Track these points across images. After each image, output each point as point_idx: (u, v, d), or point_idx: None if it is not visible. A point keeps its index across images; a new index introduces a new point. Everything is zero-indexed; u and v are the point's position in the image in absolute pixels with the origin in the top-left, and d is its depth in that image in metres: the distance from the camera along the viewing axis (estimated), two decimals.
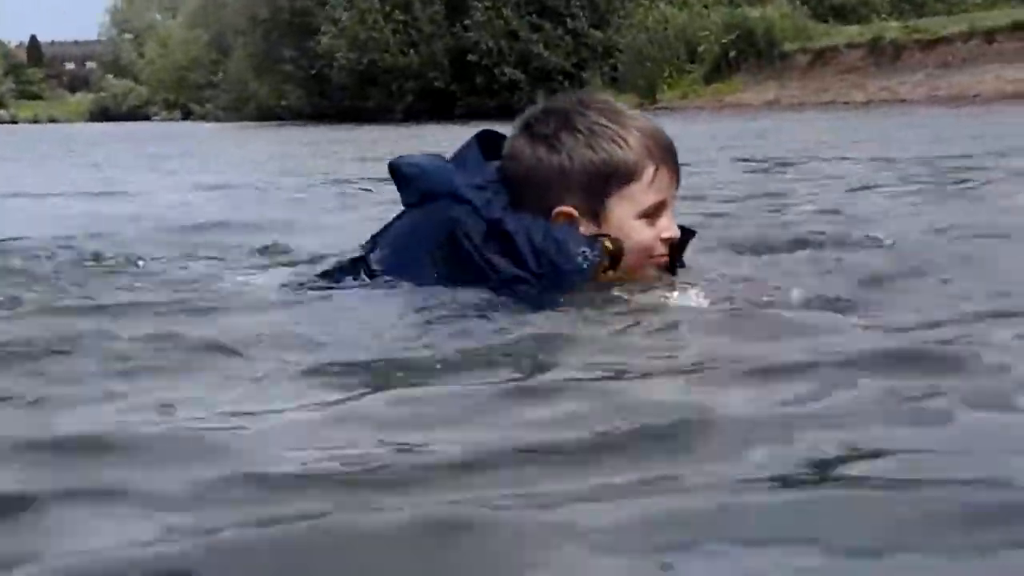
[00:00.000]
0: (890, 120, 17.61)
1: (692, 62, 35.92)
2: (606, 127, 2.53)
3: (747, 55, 34.63)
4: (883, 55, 31.22)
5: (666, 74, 35.64)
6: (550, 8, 41.27)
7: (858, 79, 30.63)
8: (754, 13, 35.28)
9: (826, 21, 36.77)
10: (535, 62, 41.02)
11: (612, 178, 2.52)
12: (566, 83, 39.64)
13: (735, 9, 36.22)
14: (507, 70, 41.19)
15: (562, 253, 2.43)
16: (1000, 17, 30.19)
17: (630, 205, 2.52)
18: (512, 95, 38.89)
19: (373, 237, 2.67)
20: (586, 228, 2.52)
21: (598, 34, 40.19)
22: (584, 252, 2.44)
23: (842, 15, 37.63)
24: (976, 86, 25.94)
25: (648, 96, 35.07)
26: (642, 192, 2.52)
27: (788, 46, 34.15)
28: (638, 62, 36.56)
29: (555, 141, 2.53)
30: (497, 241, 2.45)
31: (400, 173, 2.59)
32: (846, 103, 28.23)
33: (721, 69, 35.10)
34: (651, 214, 2.54)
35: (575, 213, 2.52)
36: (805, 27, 35.33)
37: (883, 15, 36.19)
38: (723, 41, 34.97)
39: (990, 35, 29.02)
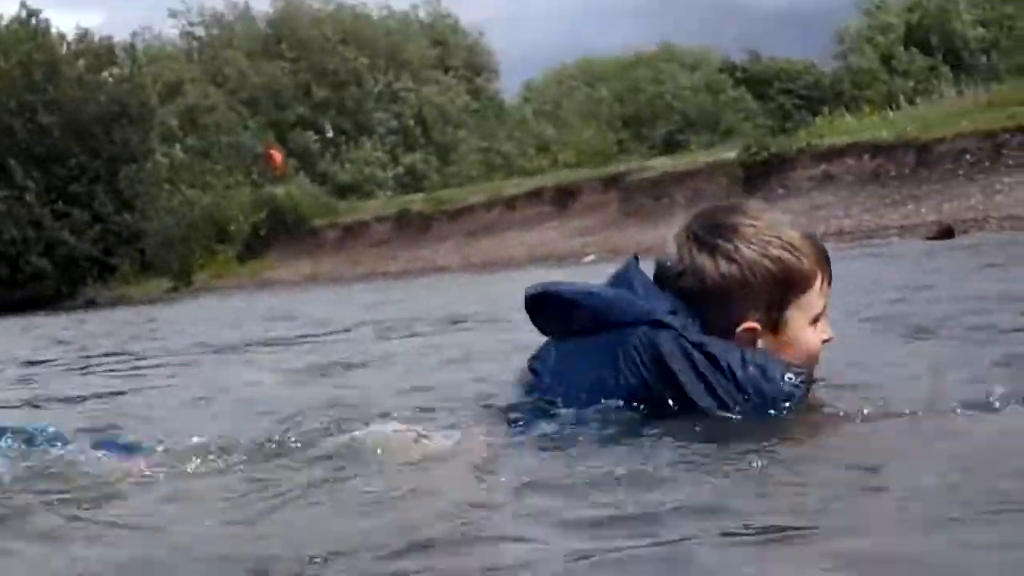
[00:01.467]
0: (420, 287, 17.18)
1: (223, 242, 35.25)
2: (777, 237, 2.47)
3: (278, 232, 34.49)
4: (411, 226, 31.53)
5: (197, 255, 34.83)
6: (73, 194, 39.44)
7: (389, 251, 30.64)
8: (280, 191, 35.36)
9: (344, 197, 37.83)
10: (61, 250, 38.92)
11: (791, 289, 2.47)
12: (95, 270, 38.17)
13: (260, 188, 36.28)
14: (32, 259, 39.03)
15: (767, 379, 2.33)
16: (520, 185, 31.09)
17: (804, 313, 2.48)
18: (40, 284, 37.86)
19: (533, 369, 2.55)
20: (765, 341, 2.46)
21: (125, 219, 38.63)
22: (790, 378, 2.34)
23: (351, 191, 39.17)
24: (506, 251, 26.26)
25: (182, 278, 34.15)
26: (815, 299, 2.49)
27: (317, 222, 34.25)
28: (167, 245, 35.62)
29: (735, 255, 2.45)
30: (703, 365, 2.34)
31: (565, 299, 2.47)
32: (384, 273, 27.99)
33: (254, 247, 34.76)
34: (816, 320, 2.51)
35: (758, 327, 2.45)
36: (330, 203, 35.73)
37: (388, 191, 38.13)
38: (253, 220, 34.75)
39: (510, 203, 29.81)
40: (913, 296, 5.54)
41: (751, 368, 2.34)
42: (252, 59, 45.91)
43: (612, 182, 27.27)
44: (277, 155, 37.35)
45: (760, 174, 20.82)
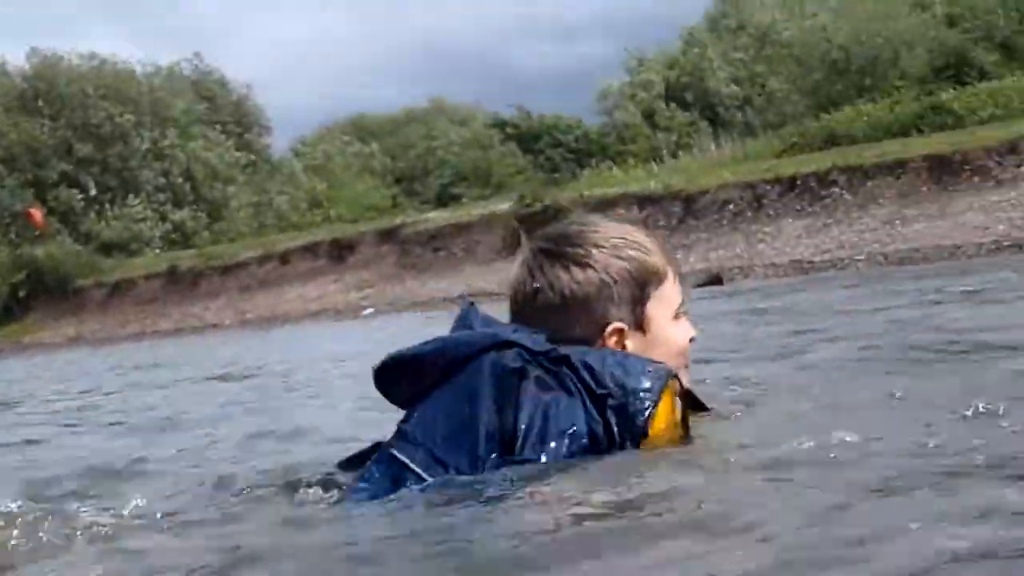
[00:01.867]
0: (194, 345, 16.66)
1: None
2: (623, 238, 2.45)
3: (39, 293, 33.03)
4: (182, 283, 30.67)
5: None
6: None
7: (160, 308, 29.68)
8: (40, 251, 33.98)
9: (110, 255, 36.68)
10: None
11: (648, 283, 2.43)
12: None
13: (19, 248, 34.80)
14: None
15: (628, 373, 2.24)
16: (295, 239, 30.70)
17: (665, 306, 2.46)
18: None
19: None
20: (634, 341, 2.41)
21: None
22: (650, 371, 2.24)
23: (118, 249, 38.12)
24: (281, 306, 25.81)
25: None
26: (671, 292, 2.47)
27: (81, 281, 32.96)
28: None
29: (589, 260, 2.40)
30: (562, 373, 2.23)
31: (408, 359, 2.26)
32: (155, 332, 27.13)
33: (14, 310, 33.20)
34: (679, 315, 2.49)
35: (625, 327, 2.41)
36: (95, 261, 34.49)
37: (157, 248, 37.37)
38: (12, 281, 33.23)
39: (285, 257, 29.38)
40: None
41: (609, 360, 2.25)
42: (9, 115, 44.10)
43: (388, 235, 27.19)
44: (37, 214, 35.85)
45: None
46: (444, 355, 2.25)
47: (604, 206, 19.87)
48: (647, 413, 2.20)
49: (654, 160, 30.53)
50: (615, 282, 2.39)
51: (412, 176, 43.07)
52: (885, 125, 23.45)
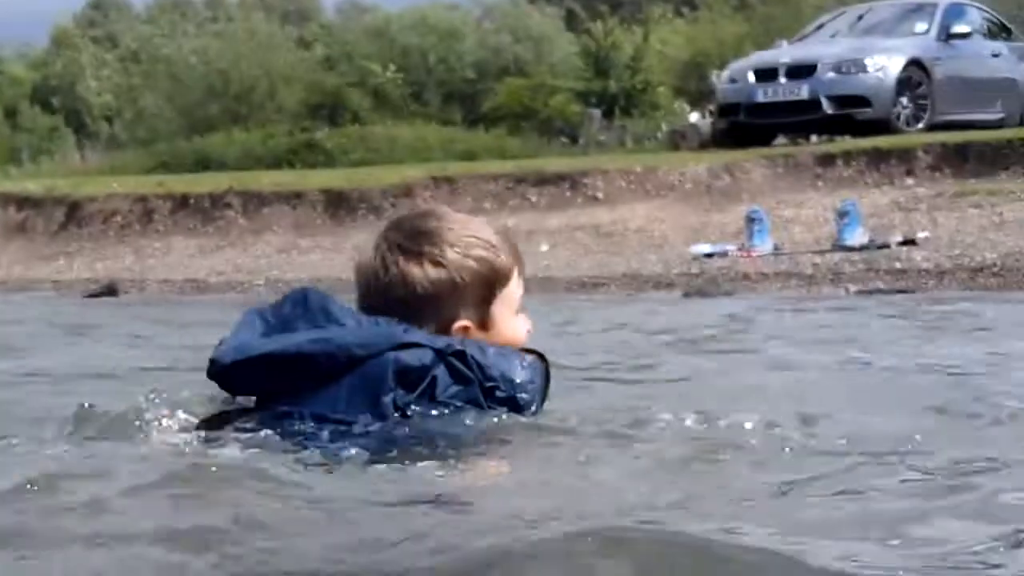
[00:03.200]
0: None
1: None
2: (475, 237, 2.50)
3: None
4: None
5: None
6: None
7: None
8: None
9: None
10: None
11: (496, 284, 2.51)
12: None
13: None
14: None
15: (512, 367, 2.38)
16: None
17: (508, 305, 2.54)
18: None
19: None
20: (478, 336, 2.46)
21: None
22: (526, 365, 2.40)
23: None
24: None
25: None
26: (515, 291, 2.56)
27: None
28: None
29: (440, 259, 2.45)
30: (458, 368, 2.33)
31: (289, 357, 2.27)
32: None
33: None
34: (518, 311, 2.57)
35: (471, 325, 2.47)
36: None
37: None
38: None
39: None
40: None
41: (491, 353, 2.36)
42: None
43: None
44: None
45: None
46: (337, 354, 2.27)
47: None
48: (534, 406, 2.37)
49: (12, 162, 28.67)
50: (466, 284, 2.46)
51: None
52: (258, 155, 23.63)
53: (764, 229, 10.71)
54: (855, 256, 9.79)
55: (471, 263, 2.46)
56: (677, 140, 18.36)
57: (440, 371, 2.30)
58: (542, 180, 14.28)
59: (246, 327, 2.38)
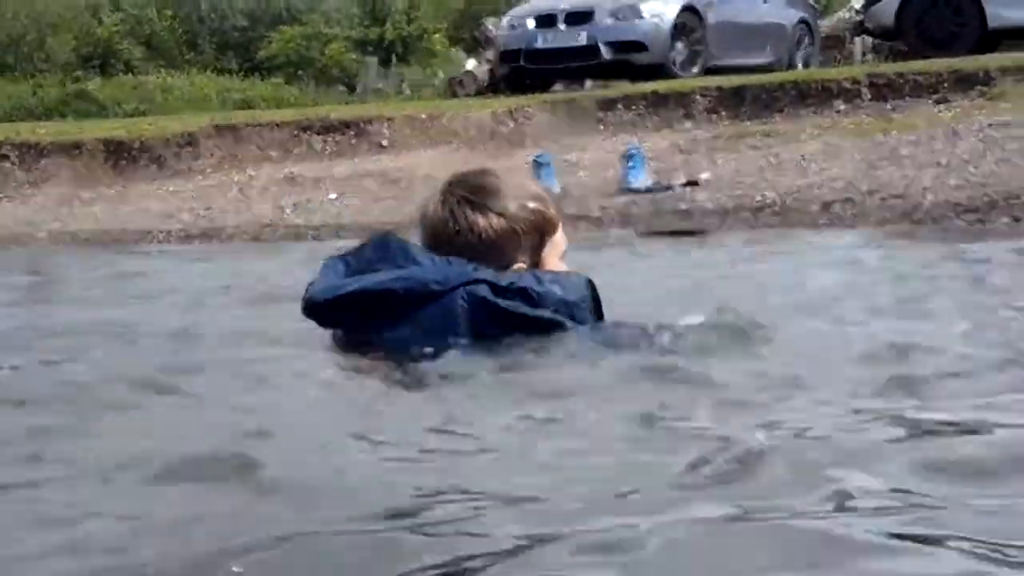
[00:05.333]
0: None
1: None
2: (529, 192, 2.86)
3: None
4: None
5: None
6: None
7: None
8: None
9: None
10: None
11: (546, 232, 2.84)
12: None
13: None
14: None
15: (566, 289, 2.67)
16: None
17: (555, 250, 2.86)
18: None
19: None
20: None
21: None
22: (575, 282, 2.71)
23: None
24: None
25: None
26: (560, 238, 2.87)
27: None
28: None
29: (503, 211, 2.77)
30: (519, 299, 2.63)
31: (375, 294, 2.62)
32: None
33: None
34: (563, 257, 2.87)
35: (525, 267, 2.78)
36: None
37: None
38: None
39: None
40: None
41: (546, 280, 2.68)
42: None
43: None
44: None
45: None
46: (414, 291, 2.59)
47: None
48: (592, 318, 2.66)
49: None
50: (523, 231, 2.79)
51: None
52: (28, 107, 22.30)
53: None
54: (642, 198, 9.74)
55: (527, 214, 2.80)
56: (454, 87, 18.06)
57: (506, 303, 2.60)
58: (327, 128, 13.81)
59: (330, 270, 2.72)
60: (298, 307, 2.74)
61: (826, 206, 8.57)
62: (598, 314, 2.71)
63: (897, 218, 8.04)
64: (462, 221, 2.77)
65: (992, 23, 14.04)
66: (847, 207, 8.46)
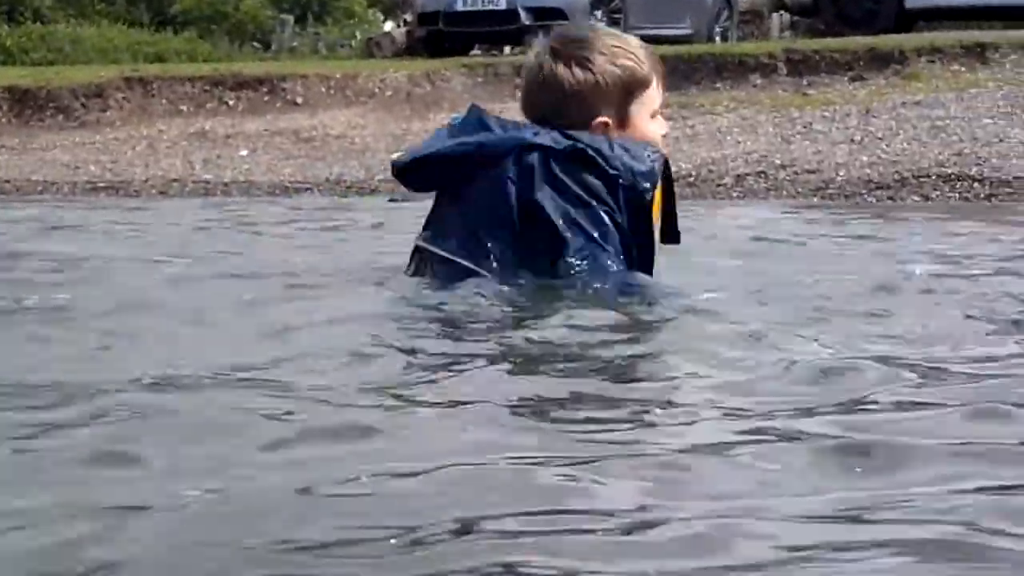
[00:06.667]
0: None
1: None
2: (620, 47, 2.82)
3: None
4: None
5: None
6: None
7: None
8: None
9: None
10: None
11: (634, 89, 2.81)
12: None
13: None
14: None
15: (633, 156, 2.69)
16: None
17: (645, 108, 2.83)
18: None
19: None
20: (617, 133, 2.77)
21: None
22: (649, 155, 2.71)
23: None
24: None
25: None
26: (652, 97, 2.85)
27: None
28: None
29: (587, 63, 2.78)
30: (575, 162, 2.67)
31: (444, 156, 2.74)
32: None
33: None
34: (655, 115, 2.88)
35: (609, 122, 2.78)
36: None
37: None
38: None
39: None
40: None
41: (616, 148, 2.69)
42: None
43: None
44: None
45: None
46: (473, 154, 2.70)
47: None
48: (651, 193, 2.67)
49: None
50: (608, 84, 2.78)
51: None
52: None
53: None
54: None
55: (614, 68, 2.78)
56: (372, 49, 17.74)
57: (560, 167, 2.64)
58: (240, 84, 13.45)
59: (434, 137, 2.84)
60: None
61: (740, 179, 8.50)
62: (669, 192, 2.75)
63: (809, 192, 7.99)
64: (547, 70, 2.82)
65: (910, 4, 14.13)
66: (761, 180, 8.40)
